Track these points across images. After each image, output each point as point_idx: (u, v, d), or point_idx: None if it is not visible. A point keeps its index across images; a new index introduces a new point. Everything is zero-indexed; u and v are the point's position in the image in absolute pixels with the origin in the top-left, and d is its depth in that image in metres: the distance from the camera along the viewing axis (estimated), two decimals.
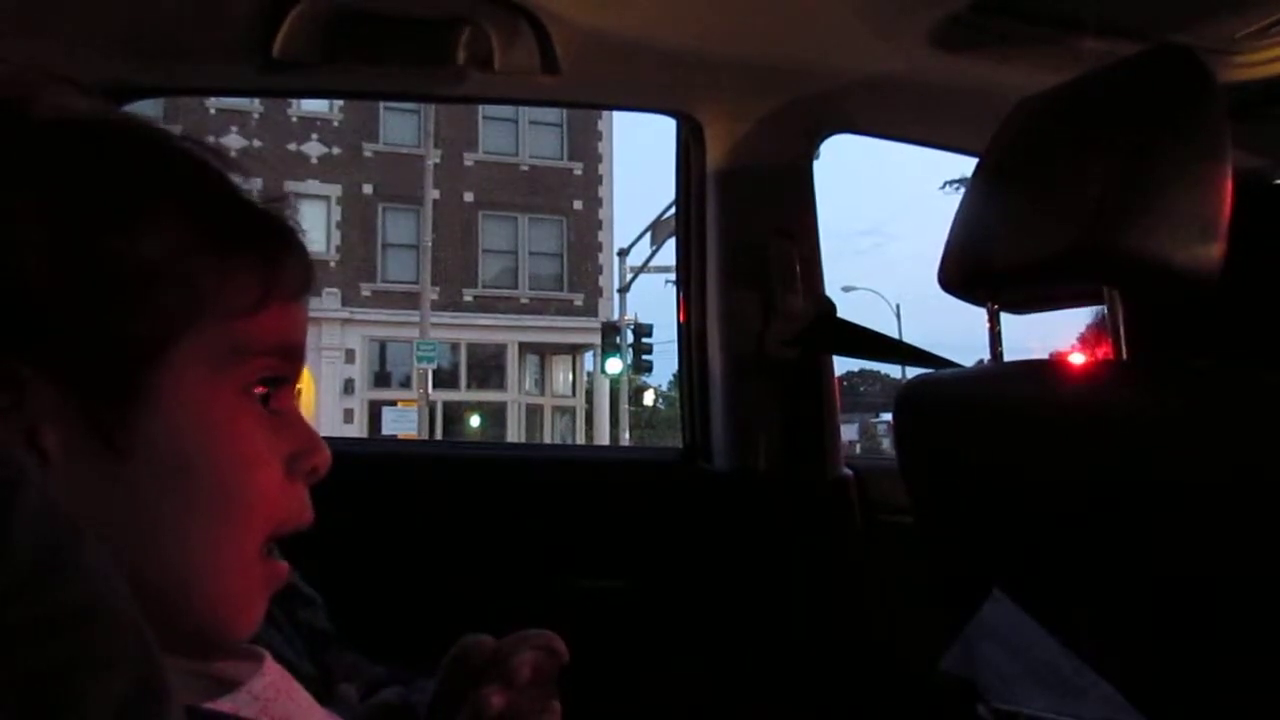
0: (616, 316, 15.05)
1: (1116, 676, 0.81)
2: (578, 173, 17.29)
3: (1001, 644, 0.92)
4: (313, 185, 15.66)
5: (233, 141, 14.67)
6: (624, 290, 15.67)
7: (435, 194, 14.85)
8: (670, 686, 1.36)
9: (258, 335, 0.47)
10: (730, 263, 1.45)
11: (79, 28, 1.15)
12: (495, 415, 16.85)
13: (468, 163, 16.61)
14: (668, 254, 14.05)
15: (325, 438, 0.53)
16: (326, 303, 14.95)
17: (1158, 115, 0.77)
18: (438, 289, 15.48)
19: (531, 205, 16.90)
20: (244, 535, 0.47)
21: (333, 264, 15.51)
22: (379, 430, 15.22)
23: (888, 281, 72.09)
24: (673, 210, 1.98)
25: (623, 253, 15.88)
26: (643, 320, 14.27)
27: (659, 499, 1.47)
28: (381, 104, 15.37)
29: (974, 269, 0.94)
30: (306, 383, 14.70)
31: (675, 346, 1.61)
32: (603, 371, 15.21)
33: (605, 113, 15.43)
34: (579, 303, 17.07)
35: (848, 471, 1.45)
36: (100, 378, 0.43)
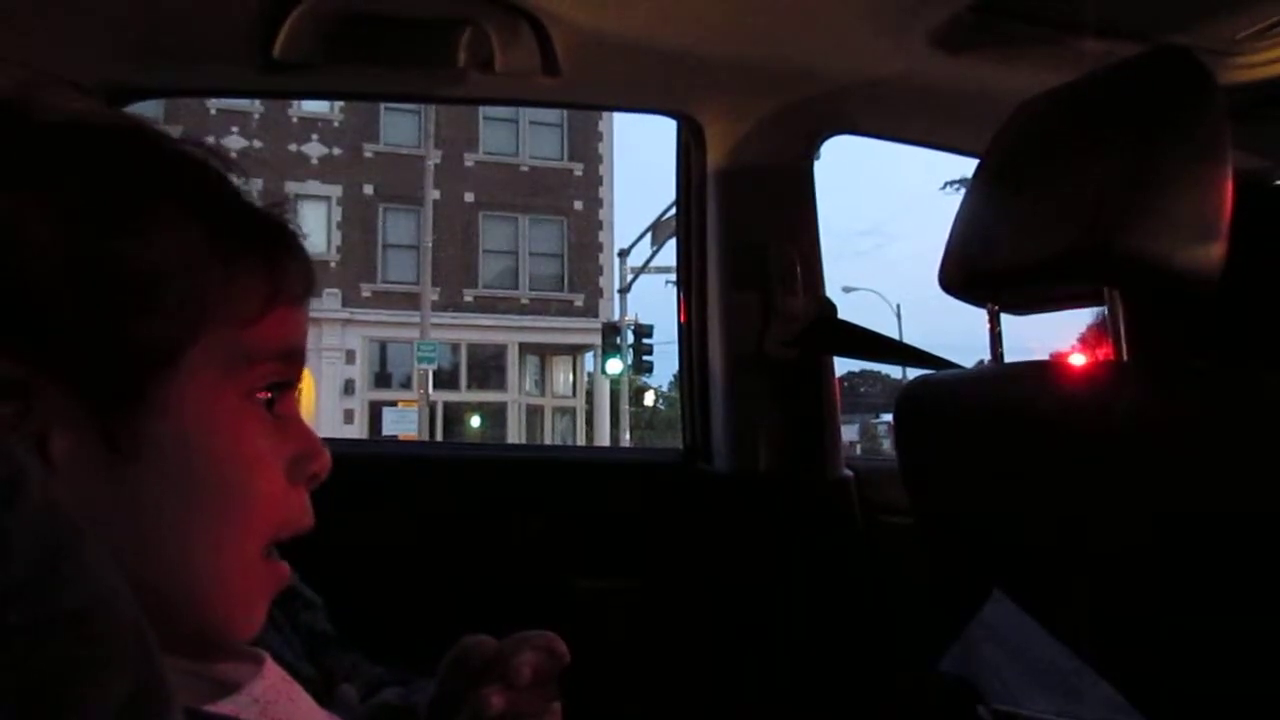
0: (617, 317, 15.05)
1: (1117, 678, 0.81)
2: (578, 173, 17.29)
3: (1001, 645, 0.92)
4: (313, 186, 15.66)
5: (233, 142, 14.68)
6: (624, 291, 15.67)
7: (436, 194, 14.86)
8: (671, 687, 1.36)
9: (263, 340, 0.47)
10: (731, 263, 1.45)
11: (79, 28, 1.15)
12: (496, 416, 16.85)
13: (468, 163, 16.61)
14: (668, 254, 14.07)
15: (326, 439, 0.54)
16: (327, 303, 14.95)
17: (1158, 116, 0.77)
18: (438, 289, 15.48)
19: (532, 206, 16.90)
20: (246, 537, 0.47)
21: (333, 264, 15.51)
22: (379, 431, 15.22)
23: (888, 282, 72.08)
24: (673, 211, 1.98)
25: (623, 253, 15.88)
26: (643, 321, 14.26)
27: (659, 500, 1.47)
28: (382, 105, 15.38)
29: (974, 270, 0.94)
30: (307, 383, 14.64)
31: (676, 347, 1.61)
32: (603, 372, 15.20)
33: (606, 113, 15.46)
34: (579, 303, 17.07)
35: (848, 472, 1.45)
36: (108, 383, 0.43)
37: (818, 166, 1.48)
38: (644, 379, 21.43)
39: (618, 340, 13.71)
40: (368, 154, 16.20)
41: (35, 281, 0.41)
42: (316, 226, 15.44)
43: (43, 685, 0.25)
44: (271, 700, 0.50)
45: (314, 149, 15.99)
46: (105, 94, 1.25)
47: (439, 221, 15.25)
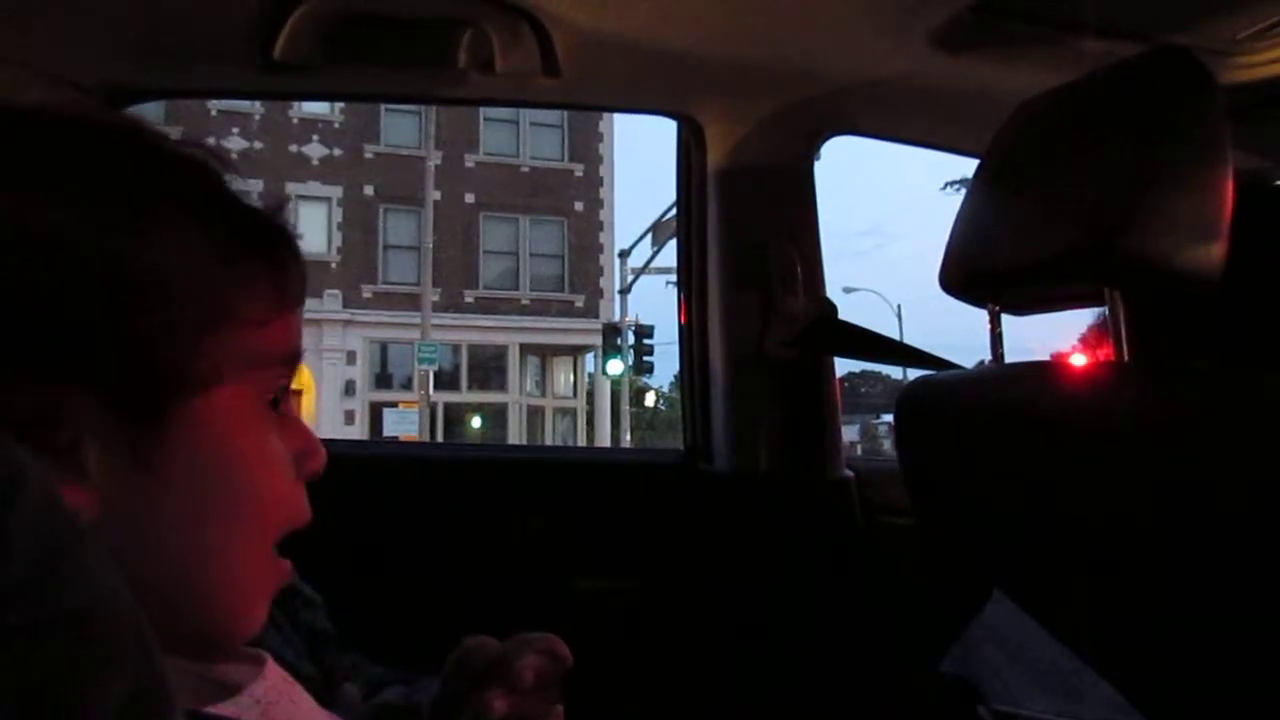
0: (618, 318, 15.04)
1: (1117, 678, 0.81)
2: (579, 174, 17.29)
3: (1002, 645, 0.91)
4: (314, 187, 15.67)
5: (234, 143, 14.69)
6: (625, 291, 15.67)
7: (436, 195, 14.85)
8: (671, 688, 1.36)
9: (273, 345, 0.48)
10: (731, 264, 1.45)
11: (79, 29, 1.15)
12: (496, 417, 16.85)
13: (469, 164, 16.62)
14: (669, 255, 14.06)
15: (327, 439, 0.54)
16: (327, 304, 14.96)
17: (1159, 116, 0.77)
18: (439, 290, 15.47)
19: (532, 206, 16.90)
20: (260, 536, 0.48)
21: (334, 265, 15.52)
22: (380, 432, 15.22)
23: (889, 282, 72.14)
24: (674, 212, 1.98)
25: (624, 254, 15.87)
26: (644, 321, 14.25)
27: (660, 500, 1.47)
28: (382, 106, 15.38)
29: (975, 270, 0.94)
30: (308, 384, 14.70)
31: (676, 348, 1.61)
32: (604, 373, 15.21)
33: (606, 114, 15.46)
34: (580, 304, 17.07)
35: (849, 473, 1.45)
36: (137, 393, 0.42)
37: (818, 167, 1.48)
38: (645, 380, 21.44)
39: (618, 341, 13.71)
40: (368, 155, 16.21)
41: (55, 285, 0.40)
42: (317, 227, 15.45)
43: (43, 685, 0.25)
44: (273, 701, 0.50)
45: (314, 150, 16.00)
46: (105, 94, 1.25)
47: (439, 222, 15.24)
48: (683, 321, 1.56)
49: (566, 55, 1.22)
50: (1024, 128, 0.93)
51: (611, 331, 13.91)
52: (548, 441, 17.09)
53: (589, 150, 17.42)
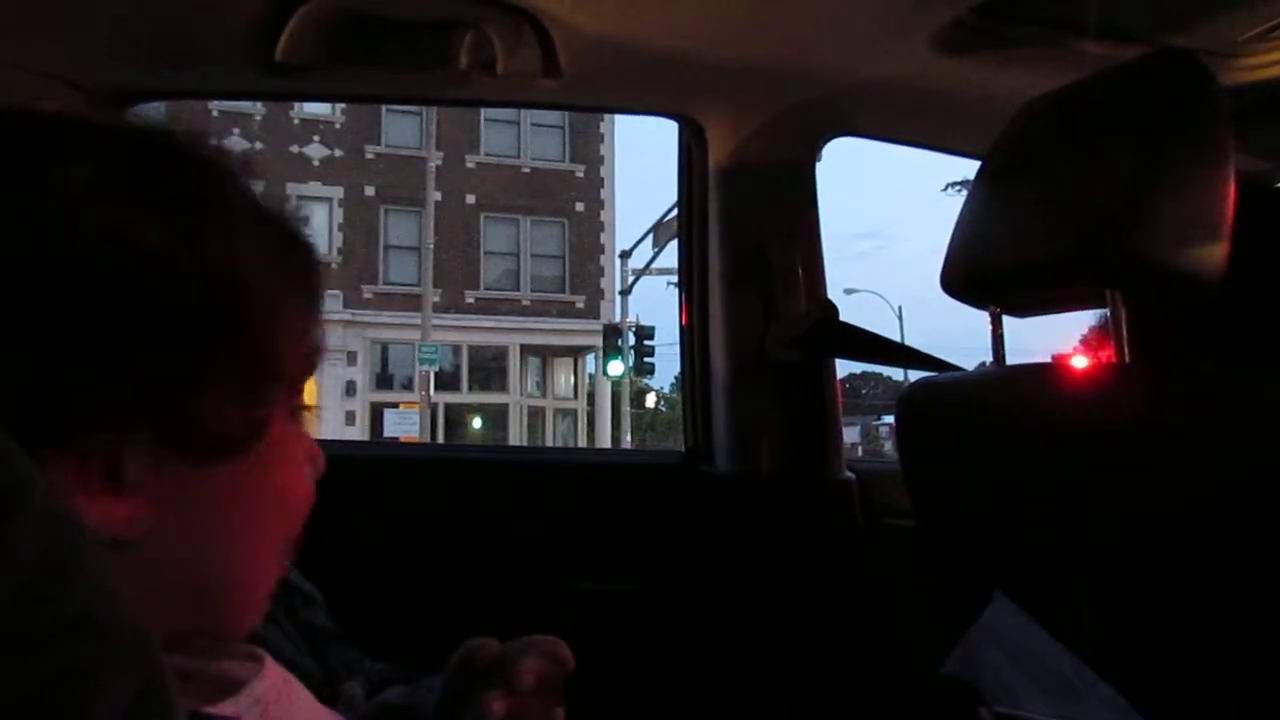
0: (618, 319, 15.03)
1: (1117, 678, 0.81)
2: (579, 175, 17.29)
3: (1003, 648, 0.91)
4: (315, 187, 15.67)
5: (235, 144, 14.62)
6: (626, 292, 15.66)
7: (437, 196, 14.85)
8: (672, 689, 1.36)
9: (307, 354, 0.49)
10: (732, 265, 1.45)
11: (81, 31, 1.15)
12: (497, 417, 16.84)
13: (469, 165, 16.62)
14: (670, 256, 14.06)
15: (327, 440, 0.55)
16: (328, 305, 14.75)
17: (1160, 118, 0.77)
18: (439, 291, 15.47)
19: (533, 207, 16.90)
20: (284, 536, 0.50)
21: (335, 266, 15.51)
22: (381, 433, 15.22)
23: (890, 284, 72.20)
24: (675, 213, 1.98)
25: (625, 255, 15.87)
26: (645, 322, 14.25)
27: (661, 502, 1.47)
28: (383, 106, 15.39)
29: (976, 272, 0.94)
30: (308, 385, 14.66)
31: (677, 349, 1.61)
32: (604, 374, 15.19)
33: (607, 115, 15.45)
34: (581, 305, 17.06)
35: (850, 474, 1.45)
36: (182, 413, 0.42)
37: (819, 168, 1.48)
38: (645, 381, 21.43)
39: (619, 342, 13.70)
40: (369, 155, 16.21)
41: (168, 295, 0.40)
42: (318, 228, 15.43)
43: (48, 691, 0.25)
44: (273, 699, 0.50)
45: (315, 150, 16.00)
46: (107, 96, 1.25)
47: (440, 223, 15.24)
48: (684, 323, 1.56)
49: (568, 56, 1.22)
50: (1026, 129, 0.93)
51: (612, 332, 13.91)
52: (548, 442, 17.08)
53: (590, 151, 17.42)
